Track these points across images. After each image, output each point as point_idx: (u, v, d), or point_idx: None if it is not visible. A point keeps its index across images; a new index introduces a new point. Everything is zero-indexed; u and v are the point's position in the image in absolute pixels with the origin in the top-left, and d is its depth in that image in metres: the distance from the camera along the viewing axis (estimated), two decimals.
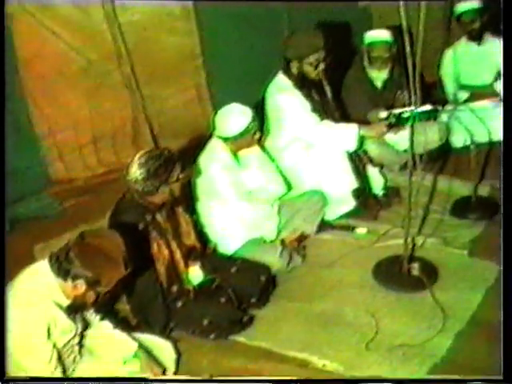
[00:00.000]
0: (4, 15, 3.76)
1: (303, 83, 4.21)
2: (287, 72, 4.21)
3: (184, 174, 3.18)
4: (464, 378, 2.85)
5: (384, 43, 4.84)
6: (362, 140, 4.29)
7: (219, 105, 4.02)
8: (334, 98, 4.49)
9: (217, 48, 5.06)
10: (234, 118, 3.65)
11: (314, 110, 4.24)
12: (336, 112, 4.44)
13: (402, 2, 3.02)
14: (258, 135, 3.75)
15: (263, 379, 2.90)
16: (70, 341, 2.71)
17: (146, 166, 3.07)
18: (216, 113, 3.77)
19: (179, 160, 3.16)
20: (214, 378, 2.96)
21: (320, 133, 4.19)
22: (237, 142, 3.69)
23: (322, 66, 4.16)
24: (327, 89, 4.41)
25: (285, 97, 4.16)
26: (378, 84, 4.98)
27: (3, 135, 3.89)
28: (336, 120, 4.33)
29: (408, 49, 3.10)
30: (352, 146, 4.21)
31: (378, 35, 4.89)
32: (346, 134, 4.19)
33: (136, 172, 3.07)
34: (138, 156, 3.11)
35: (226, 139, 3.69)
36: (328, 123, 4.22)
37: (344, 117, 4.59)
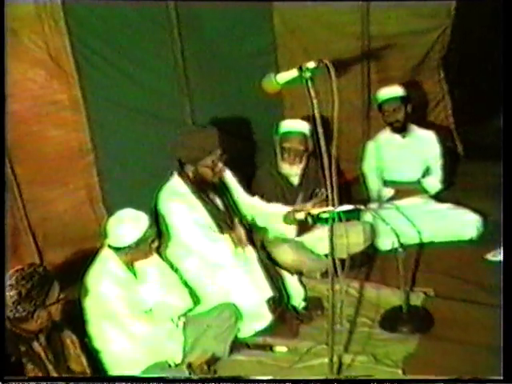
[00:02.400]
0: (4, 15, 3.88)
1: (201, 187, 4.29)
2: (182, 175, 4.29)
3: (66, 293, 3.10)
4: (464, 378, 3.10)
5: (299, 135, 4.93)
6: None
7: (113, 208, 4.01)
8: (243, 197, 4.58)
9: (110, 143, 5.06)
10: (128, 225, 3.66)
11: (214, 216, 4.32)
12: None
13: (311, 89, 3.12)
14: (156, 243, 3.77)
15: (263, 379, 3.24)
16: None
17: (17, 287, 2.99)
18: (108, 219, 3.77)
19: (60, 277, 3.08)
20: (213, 378, 3.28)
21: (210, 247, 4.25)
22: (132, 253, 3.70)
23: (219, 166, 4.25)
24: (233, 188, 4.52)
25: (176, 204, 4.21)
26: (293, 180, 5.06)
27: (3, 135, 3.96)
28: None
29: (323, 141, 3.15)
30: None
31: (294, 126, 4.99)
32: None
33: (6, 296, 2.98)
34: (7, 276, 3.02)
35: (119, 249, 3.68)
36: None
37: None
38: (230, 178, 4.55)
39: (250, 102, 5.48)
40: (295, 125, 4.99)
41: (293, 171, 5.02)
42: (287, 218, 4.57)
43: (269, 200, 4.71)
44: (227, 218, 4.40)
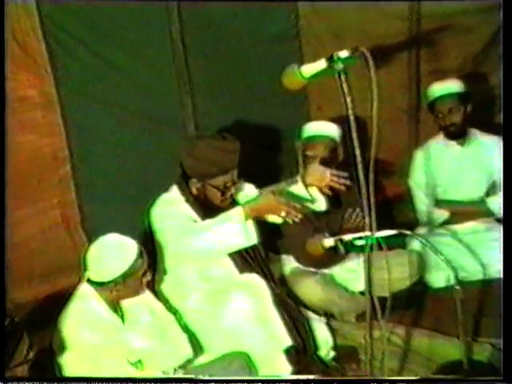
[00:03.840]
0: (4, 15, 4.05)
1: (205, 209, 4.21)
2: (183, 189, 4.25)
3: (37, 348, 3.12)
4: (464, 378, 3.45)
5: (325, 139, 4.96)
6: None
7: (94, 233, 4.02)
8: None
9: (91, 151, 5.10)
10: (113, 254, 3.66)
11: None
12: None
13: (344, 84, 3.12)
14: (148, 277, 3.77)
15: (263, 379, 3.44)
16: None
17: None
18: (88, 247, 3.77)
19: (26, 322, 3.10)
20: (214, 378, 3.43)
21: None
22: (118, 289, 3.69)
23: (232, 191, 4.23)
24: None
25: (171, 211, 4.16)
26: None
27: (3, 134, 4.12)
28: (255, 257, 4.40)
29: (358, 149, 3.13)
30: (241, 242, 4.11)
31: (321, 129, 5.03)
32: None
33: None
34: None
35: (101, 285, 3.68)
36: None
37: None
38: (246, 195, 4.46)
39: (267, 100, 5.51)
40: (322, 128, 5.03)
41: None
42: (314, 247, 4.58)
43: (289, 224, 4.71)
44: None
